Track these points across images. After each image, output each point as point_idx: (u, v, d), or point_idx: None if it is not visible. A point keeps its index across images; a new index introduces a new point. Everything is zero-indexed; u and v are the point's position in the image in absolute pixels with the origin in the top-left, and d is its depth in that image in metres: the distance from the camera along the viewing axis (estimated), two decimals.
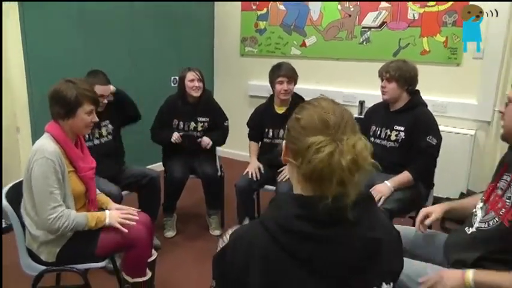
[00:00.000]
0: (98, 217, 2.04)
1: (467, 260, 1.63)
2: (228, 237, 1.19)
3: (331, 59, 4.53)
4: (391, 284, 1.09)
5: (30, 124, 3.46)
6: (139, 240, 2.11)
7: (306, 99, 3.23)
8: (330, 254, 0.99)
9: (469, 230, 1.73)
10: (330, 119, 1.04)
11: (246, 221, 3.26)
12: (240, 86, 5.17)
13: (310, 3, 4.54)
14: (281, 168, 3.01)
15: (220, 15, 5.25)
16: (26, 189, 1.98)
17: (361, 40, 4.32)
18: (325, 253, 0.99)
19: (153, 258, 2.30)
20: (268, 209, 1.09)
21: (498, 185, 1.70)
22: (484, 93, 3.77)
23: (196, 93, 3.27)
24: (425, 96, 2.75)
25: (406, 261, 1.23)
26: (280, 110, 3.19)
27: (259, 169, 3.13)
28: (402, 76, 2.65)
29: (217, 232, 3.37)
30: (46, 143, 1.96)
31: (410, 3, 3.99)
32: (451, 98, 3.89)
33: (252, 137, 3.35)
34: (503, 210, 1.59)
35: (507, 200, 1.60)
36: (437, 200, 2.55)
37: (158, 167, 4.41)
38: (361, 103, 4.22)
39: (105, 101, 2.81)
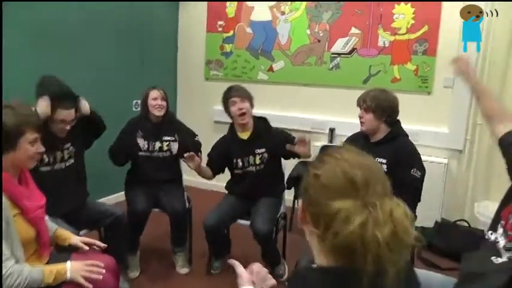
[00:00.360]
0: (57, 271, 1.76)
1: None
2: None
3: (300, 84, 4.41)
4: None
5: None
6: None
7: (272, 125, 3.17)
8: None
9: (498, 260, 1.62)
10: (357, 175, 0.86)
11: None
12: (205, 111, 4.93)
13: (278, 26, 4.43)
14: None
15: (184, 35, 5.05)
16: None
17: (330, 66, 4.23)
18: None
19: None
20: None
21: None
22: (455, 121, 3.75)
23: (159, 113, 3.07)
24: None
25: None
26: (244, 136, 3.00)
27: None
28: (379, 106, 2.52)
29: (184, 270, 3.10)
30: None
31: (381, 30, 3.96)
32: (423, 126, 3.85)
33: (211, 166, 3.06)
34: None
35: None
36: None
37: (120, 197, 4.15)
38: (332, 130, 4.12)
39: (67, 127, 2.50)
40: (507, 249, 1.61)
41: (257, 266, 1.28)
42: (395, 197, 2.31)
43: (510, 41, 3.53)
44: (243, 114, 2.91)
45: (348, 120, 3.92)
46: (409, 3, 3.82)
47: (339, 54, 4.18)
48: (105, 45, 4.15)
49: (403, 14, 3.86)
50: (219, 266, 3.11)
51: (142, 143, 3.11)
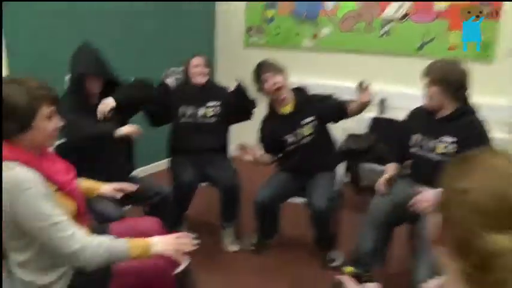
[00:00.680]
0: (142, 244, 1.58)
1: None
2: None
3: (347, 52, 4.16)
4: None
5: None
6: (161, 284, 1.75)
7: (317, 94, 2.91)
8: None
9: None
10: None
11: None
12: (245, 80, 4.74)
13: None
14: None
15: (223, 2, 4.81)
16: (13, 236, 1.55)
17: (380, 33, 3.97)
18: None
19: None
20: None
21: None
22: None
23: (201, 79, 3.00)
24: None
25: None
26: (286, 110, 2.83)
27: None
28: (446, 79, 2.29)
29: (233, 247, 3.01)
30: (17, 173, 1.47)
31: None
32: (483, 97, 3.57)
33: (267, 151, 2.93)
34: None
35: None
36: None
37: (158, 166, 4.08)
38: (382, 101, 3.89)
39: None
40: None
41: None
42: None
43: None
44: (279, 88, 2.74)
45: (400, 91, 3.70)
46: None
47: (390, 20, 3.90)
48: (142, 13, 3.99)
49: None
50: (265, 245, 3.00)
51: (184, 109, 3.01)
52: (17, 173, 1.46)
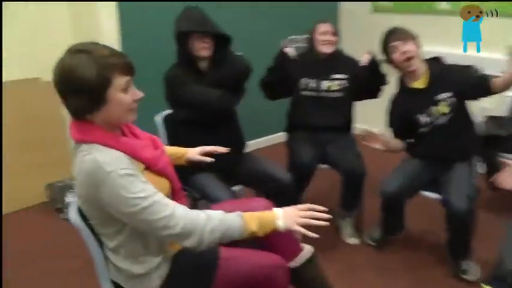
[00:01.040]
0: (262, 218, 1.38)
1: None
2: None
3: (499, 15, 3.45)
4: None
5: None
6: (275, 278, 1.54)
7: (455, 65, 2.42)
8: None
9: None
10: None
11: None
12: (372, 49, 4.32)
13: None
14: None
15: None
16: (102, 223, 1.44)
17: None
18: None
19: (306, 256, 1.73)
20: None
21: None
22: None
23: (328, 49, 2.71)
24: None
25: None
26: (420, 85, 2.41)
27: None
28: None
29: (353, 240, 2.72)
30: (95, 156, 1.29)
31: None
32: None
33: (397, 135, 2.58)
34: None
35: None
36: None
37: (273, 139, 3.91)
38: None
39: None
40: None
41: None
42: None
43: None
44: (410, 58, 2.33)
45: None
46: None
47: None
48: None
49: None
50: (388, 241, 2.67)
51: (306, 81, 2.75)
52: (96, 156, 1.29)
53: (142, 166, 1.43)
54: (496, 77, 2.21)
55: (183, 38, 2.24)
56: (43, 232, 2.91)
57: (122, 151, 1.35)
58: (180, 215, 1.33)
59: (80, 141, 1.35)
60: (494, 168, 2.86)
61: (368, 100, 2.83)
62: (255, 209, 1.47)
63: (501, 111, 3.18)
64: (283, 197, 2.21)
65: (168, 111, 2.49)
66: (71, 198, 2.82)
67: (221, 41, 2.29)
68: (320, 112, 2.75)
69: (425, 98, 2.40)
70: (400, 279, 2.40)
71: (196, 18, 2.24)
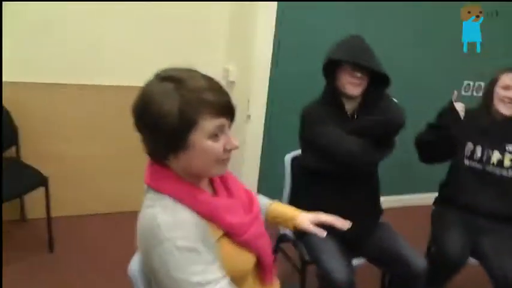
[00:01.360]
0: None
1: None
2: None
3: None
4: None
5: (265, 113, 2.97)
6: None
7: None
8: None
9: None
10: None
11: None
12: None
13: None
14: None
15: None
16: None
17: None
18: None
19: None
20: None
21: None
22: None
23: (508, 111, 2.10)
24: None
25: None
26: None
27: None
28: None
29: None
30: (156, 213, 1.02)
31: None
32: None
33: None
34: None
35: None
36: None
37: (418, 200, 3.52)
38: None
39: None
40: None
41: None
42: None
43: None
44: None
45: None
46: None
47: None
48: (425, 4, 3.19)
49: None
50: None
51: (470, 147, 2.21)
52: (157, 213, 1.02)
53: (220, 233, 1.11)
54: None
55: (331, 69, 1.88)
56: None
57: (197, 212, 1.07)
58: None
59: (149, 186, 1.11)
60: None
61: None
62: None
63: None
64: (413, 285, 1.86)
65: (298, 152, 2.17)
66: None
67: (377, 81, 1.87)
68: (483, 191, 2.17)
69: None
70: None
71: (353, 47, 1.82)
